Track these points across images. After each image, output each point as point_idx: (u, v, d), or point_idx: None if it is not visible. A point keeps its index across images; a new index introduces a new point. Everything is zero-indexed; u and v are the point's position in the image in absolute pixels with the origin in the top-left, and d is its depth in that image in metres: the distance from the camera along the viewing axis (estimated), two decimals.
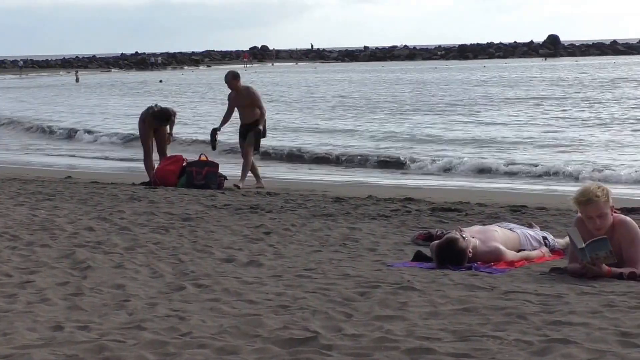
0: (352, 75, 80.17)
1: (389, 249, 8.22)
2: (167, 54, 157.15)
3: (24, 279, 6.65)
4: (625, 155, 20.17)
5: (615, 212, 6.84)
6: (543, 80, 57.61)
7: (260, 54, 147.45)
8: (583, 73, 66.68)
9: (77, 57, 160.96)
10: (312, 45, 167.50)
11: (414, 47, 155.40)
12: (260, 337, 4.91)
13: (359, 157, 21.09)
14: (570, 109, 33.38)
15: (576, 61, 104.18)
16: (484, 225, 8.37)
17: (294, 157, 22.07)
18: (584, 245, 6.57)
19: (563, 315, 5.30)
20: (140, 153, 16.27)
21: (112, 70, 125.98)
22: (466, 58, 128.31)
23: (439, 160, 19.72)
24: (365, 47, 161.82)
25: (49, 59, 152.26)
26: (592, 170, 17.28)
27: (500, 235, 7.63)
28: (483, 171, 18.50)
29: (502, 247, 7.45)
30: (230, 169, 16.36)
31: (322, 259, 7.58)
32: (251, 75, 75.54)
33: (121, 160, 22.36)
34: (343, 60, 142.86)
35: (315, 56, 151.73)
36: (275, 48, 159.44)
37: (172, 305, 5.80)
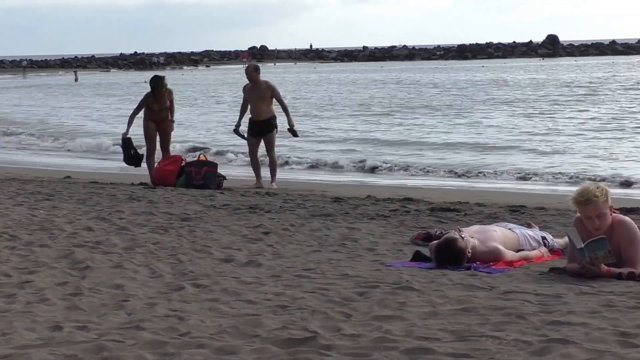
0: (351, 75, 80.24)
1: (387, 249, 8.22)
2: (166, 54, 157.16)
3: (22, 279, 6.65)
4: None
5: (614, 212, 6.84)
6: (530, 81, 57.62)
7: (260, 54, 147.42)
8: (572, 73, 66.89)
9: (76, 57, 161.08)
10: (311, 45, 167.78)
11: (413, 47, 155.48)
12: (259, 337, 4.91)
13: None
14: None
15: (575, 61, 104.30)
16: (483, 225, 8.36)
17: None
18: (582, 245, 6.58)
19: (562, 315, 5.30)
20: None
21: (111, 70, 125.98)
22: (465, 58, 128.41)
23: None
24: (364, 47, 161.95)
25: (48, 59, 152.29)
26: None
27: (500, 235, 7.63)
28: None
29: (501, 247, 7.45)
30: (229, 169, 16.35)
31: (321, 259, 7.57)
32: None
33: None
34: (342, 60, 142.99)
35: (314, 56, 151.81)
36: (274, 48, 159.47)
37: (171, 305, 5.80)
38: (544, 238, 7.97)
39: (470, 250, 7.29)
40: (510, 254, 7.46)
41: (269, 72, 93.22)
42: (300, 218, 10.23)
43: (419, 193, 13.48)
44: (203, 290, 6.26)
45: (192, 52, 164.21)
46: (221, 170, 14.93)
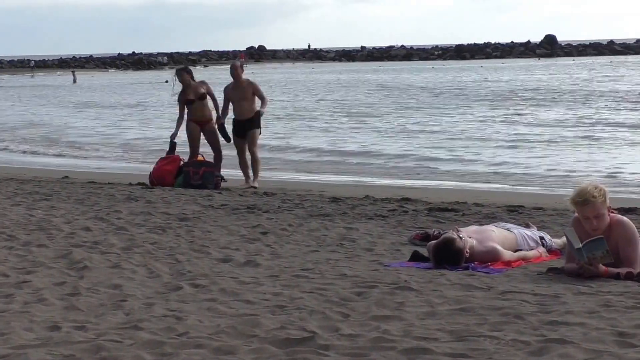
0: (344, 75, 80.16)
1: (386, 249, 8.21)
2: (165, 54, 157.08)
3: (20, 279, 6.65)
4: None
5: (612, 212, 6.85)
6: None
7: (258, 54, 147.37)
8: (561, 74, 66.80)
9: (74, 57, 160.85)
10: (309, 45, 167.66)
11: (411, 47, 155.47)
12: (257, 337, 4.91)
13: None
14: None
15: (573, 60, 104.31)
16: (481, 225, 8.37)
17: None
18: (581, 245, 6.58)
19: (560, 315, 5.30)
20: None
21: (110, 70, 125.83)
22: (463, 58, 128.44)
23: None
24: (362, 47, 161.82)
25: (46, 59, 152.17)
26: None
27: (498, 235, 7.63)
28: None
29: (499, 247, 7.45)
30: (228, 168, 16.33)
31: (319, 259, 7.57)
32: (248, 76, 75.14)
33: None
34: (340, 60, 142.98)
35: (312, 56, 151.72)
36: (272, 48, 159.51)
37: (169, 305, 5.80)
38: (542, 238, 7.97)
39: (468, 250, 7.30)
40: (508, 254, 7.46)
41: (266, 73, 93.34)
42: (298, 218, 10.23)
43: (417, 193, 13.48)
44: (201, 290, 6.26)
45: (190, 52, 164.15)
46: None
